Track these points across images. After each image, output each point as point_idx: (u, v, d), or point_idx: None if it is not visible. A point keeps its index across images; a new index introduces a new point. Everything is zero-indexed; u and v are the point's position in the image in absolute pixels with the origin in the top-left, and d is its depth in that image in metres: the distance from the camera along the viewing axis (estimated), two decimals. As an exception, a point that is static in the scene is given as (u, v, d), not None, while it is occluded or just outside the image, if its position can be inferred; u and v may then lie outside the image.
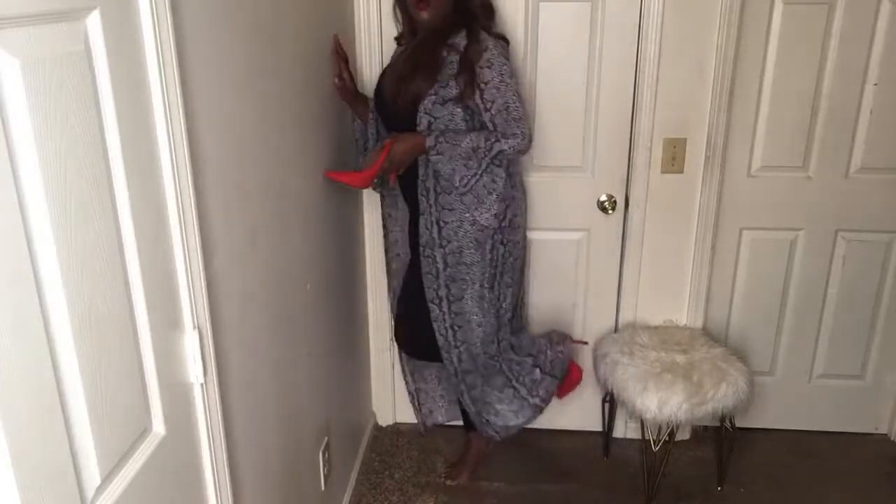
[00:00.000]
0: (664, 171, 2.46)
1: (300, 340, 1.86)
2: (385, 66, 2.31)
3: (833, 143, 2.45)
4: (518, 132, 2.06)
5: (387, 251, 2.45)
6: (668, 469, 2.46)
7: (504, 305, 2.27)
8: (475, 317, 2.22)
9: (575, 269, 2.62)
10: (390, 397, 2.85)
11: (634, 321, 2.65)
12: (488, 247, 2.17)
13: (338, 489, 2.30)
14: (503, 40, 2.16)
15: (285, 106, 1.71)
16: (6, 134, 0.76)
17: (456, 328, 2.24)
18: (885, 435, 2.80)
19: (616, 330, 2.66)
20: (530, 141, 2.10)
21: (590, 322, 2.67)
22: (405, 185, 2.23)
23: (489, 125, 2.06)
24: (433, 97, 2.06)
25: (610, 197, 2.51)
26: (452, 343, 2.26)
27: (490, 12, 2.17)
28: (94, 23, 0.91)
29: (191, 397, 1.22)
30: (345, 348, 2.41)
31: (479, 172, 2.08)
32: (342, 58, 2.19)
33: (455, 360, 2.28)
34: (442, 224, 2.14)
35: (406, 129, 2.11)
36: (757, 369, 2.64)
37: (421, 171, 2.14)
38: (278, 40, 1.66)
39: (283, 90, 1.69)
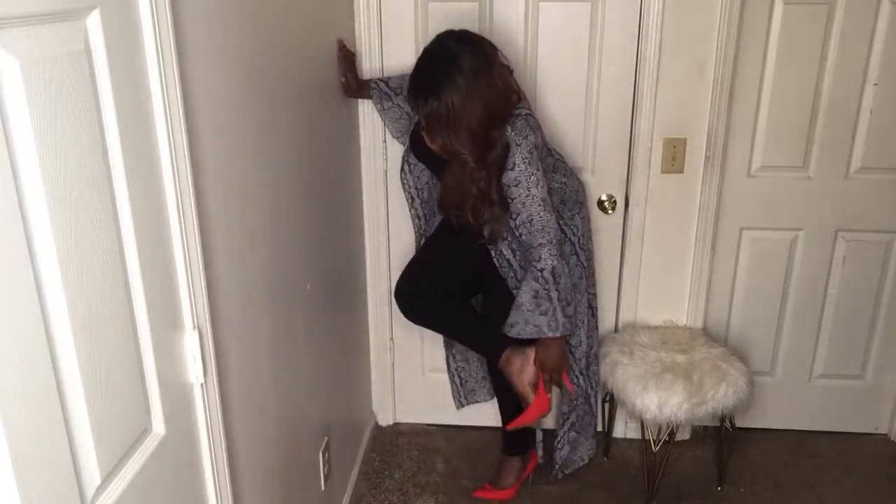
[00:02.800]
0: (664, 171, 2.46)
1: (300, 340, 1.86)
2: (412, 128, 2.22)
3: (833, 143, 2.45)
4: (543, 241, 2.02)
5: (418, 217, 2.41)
6: (668, 469, 2.46)
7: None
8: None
9: (575, 269, 2.62)
10: (390, 397, 2.84)
11: (634, 321, 2.65)
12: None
13: (338, 489, 2.30)
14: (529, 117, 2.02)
15: (285, 106, 1.71)
16: (6, 134, 0.76)
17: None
18: (885, 435, 2.80)
19: (616, 330, 2.66)
20: (557, 235, 2.05)
21: (590, 322, 2.67)
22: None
23: (515, 230, 2.04)
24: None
25: (610, 197, 2.51)
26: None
27: (510, 103, 1.99)
28: (94, 23, 0.91)
29: (191, 397, 1.22)
30: (345, 348, 2.41)
31: (553, 305, 2.05)
32: (348, 58, 2.19)
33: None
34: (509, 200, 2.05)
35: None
36: (757, 369, 2.64)
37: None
38: (278, 40, 1.66)
39: (283, 90, 1.69)
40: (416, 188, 2.33)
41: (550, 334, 2.07)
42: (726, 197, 2.51)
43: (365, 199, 2.57)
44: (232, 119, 1.39)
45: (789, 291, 2.65)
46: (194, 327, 1.19)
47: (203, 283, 1.21)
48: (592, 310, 2.36)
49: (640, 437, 2.59)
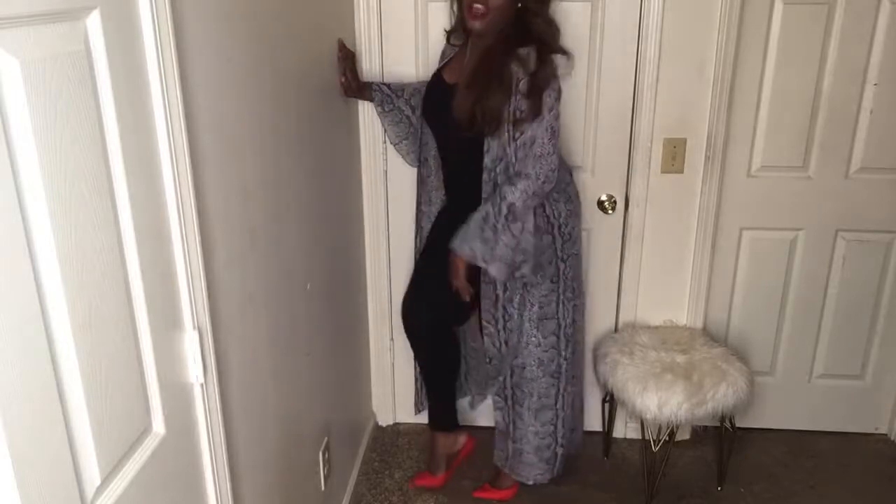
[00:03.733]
0: (664, 171, 2.46)
1: (300, 340, 1.86)
2: (438, 67, 2.22)
3: (833, 143, 2.45)
4: (531, 172, 1.97)
5: (418, 221, 2.43)
6: (668, 469, 2.46)
7: (567, 322, 2.26)
8: (533, 338, 2.22)
9: (575, 269, 2.63)
10: (390, 397, 2.84)
11: (634, 321, 2.65)
12: (559, 269, 2.19)
13: (338, 489, 2.30)
14: (566, 55, 2.07)
15: (285, 105, 1.71)
16: (6, 134, 0.76)
17: (509, 344, 2.23)
18: (885, 435, 2.80)
19: (616, 330, 2.66)
20: (547, 182, 2.00)
21: (590, 322, 2.67)
22: (451, 182, 2.25)
23: (511, 157, 1.99)
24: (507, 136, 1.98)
25: (610, 197, 2.51)
26: (506, 357, 2.26)
27: (556, 30, 2.06)
28: (94, 23, 0.91)
29: (191, 397, 1.22)
30: (345, 348, 2.41)
31: (496, 239, 2.02)
32: (347, 58, 2.20)
33: (507, 373, 2.29)
34: None
35: (463, 153, 2.09)
36: (757, 369, 2.64)
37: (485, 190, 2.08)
38: (278, 40, 1.66)
39: (283, 90, 1.69)
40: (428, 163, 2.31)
41: (482, 265, 2.05)
42: (726, 197, 2.51)
43: (365, 199, 2.57)
44: (232, 119, 1.39)
45: (789, 291, 2.65)
46: (194, 327, 1.19)
47: (203, 283, 1.21)
48: (573, 323, 2.29)
49: (640, 437, 2.59)
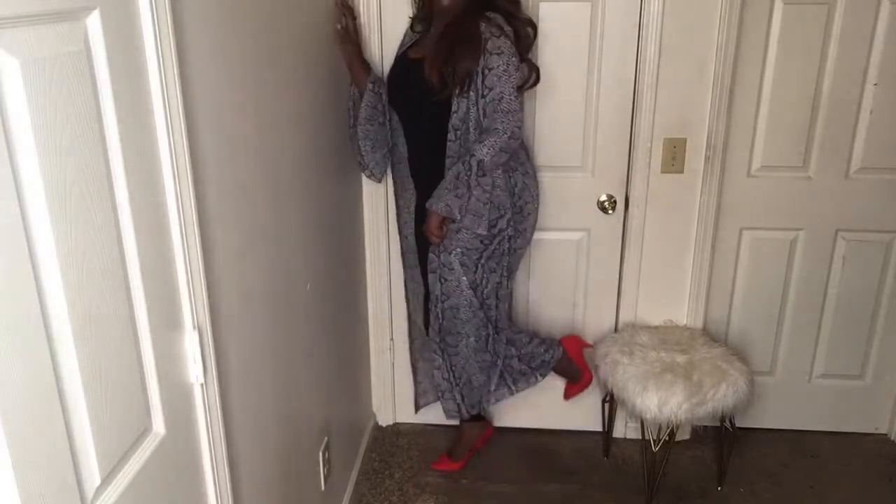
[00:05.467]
0: (664, 171, 2.46)
1: (300, 340, 1.86)
2: (398, 53, 2.28)
3: (833, 143, 2.45)
4: (500, 127, 2.06)
5: (399, 231, 2.47)
6: (668, 469, 2.46)
7: (486, 292, 2.29)
8: (463, 277, 2.26)
9: (575, 269, 2.62)
10: (390, 397, 2.84)
11: (634, 321, 2.65)
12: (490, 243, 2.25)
13: (338, 489, 2.30)
14: (531, 26, 2.17)
15: (285, 106, 1.71)
16: (6, 134, 0.76)
17: (443, 281, 2.28)
18: (885, 435, 2.80)
19: (616, 330, 2.66)
20: (513, 138, 2.09)
21: (590, 322, 2.67)
22: (414, 170, 2.28)
23: (479, 114, 2.07)
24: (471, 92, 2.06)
25: (610, 197, 2.51)
26: (439, 297, 2.30)
27: (517, 2, 2.16)
28: (94, 23, 0.91)
29: (191, 397, 1.22)
30: (345, 348, 2.41)
31: (469, 193, 2.11)
32: (346, 8, 2.22)
33: (439, 315, 2.32)
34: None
35: (429, 122, 2.15)
36: (757, 369, 2.64)
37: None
38: (278, 40, 1.66)
39: (283, 90, 1.69)
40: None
41: (457, 217, 2.13)
42: (726, 197, 2.51)
43: (365, 198, 2.57)
44: (232, 119, 1.39)
45: (789, 291, 2.65)
46: (194, 327, 1.19)
47: (203, 283, 1.21)
48: (491, 294, 2.33)
49: (640, 437, 2.59)
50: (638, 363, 2.35)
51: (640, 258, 2.57)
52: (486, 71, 2.04)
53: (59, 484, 0.87)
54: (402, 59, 2.25)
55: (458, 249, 2.22)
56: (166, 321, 1.12)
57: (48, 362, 0.83)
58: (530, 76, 2.19)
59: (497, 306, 2.34)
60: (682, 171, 2.47)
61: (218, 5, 1.31)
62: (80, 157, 0.88)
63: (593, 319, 2.67)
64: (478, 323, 2.31)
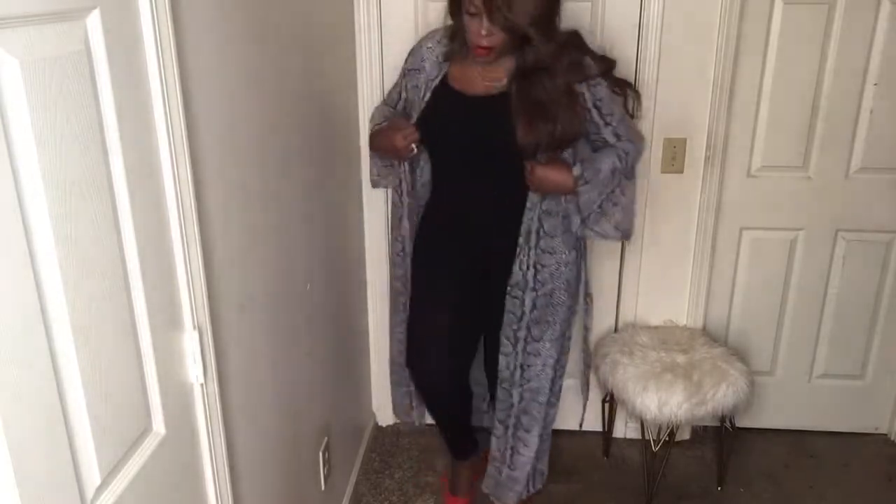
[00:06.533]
0: (664, 171, 2.46)
1: (300, 340, 1.86)
2: (431, 83, 2.01)
3: (833, 143, 2.45)
4: (643, 136, 2.04)
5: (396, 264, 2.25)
6: (668, 469, 2.46)
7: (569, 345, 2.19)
8: (550, 359, 2.11)
9: (575, 269, 2.62)
10: (390, 397, 2.84)
11: (634, 321, 2.65)
12: (580, 286, 2.13)
13: (338, 489, 2.30)
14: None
15: (285, 106, 1.71)
16: (6, 134, 0.76)
17: (525, 367, 2.11)
18: (885, 435, 2.80)
19: (616, 330, 2.66)
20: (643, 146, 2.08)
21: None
22: (467, 226, 2.07)
23: (612, 139, 1.96)
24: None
25: (610, 197, 2.51)
26: (518, 381, 2.12)
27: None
28: (94, 23, 0.90)
29: (191, 397, 1.22)
30: (345, 348, 2.41)
31: (610, 192, 1.95)
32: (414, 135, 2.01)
33: (516, 398, 2.14)
34: (539, 267, 2.01)
35: (506, 169, 1.95)
36: (757, 369, 2.64)
37: (526, 213, 1.98)
38: (278, 40, 1.65)
39: (283, 90, 1.69)
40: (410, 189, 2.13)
41: (615, 235, 2.00)
42: (726, 197, 2.51)
43: (365, 198, 2.57)
44: (232, 119, 1.39)
45: (789, 291, 2.65)
46: (194, 327, 1.19)
47: (203, 283, 1.21)
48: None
49: (640, 437, 2.59)
50: (638, 363, 2.36)
51: (639, 258, 2.57)
52: (598, 102, 1.92)
53: (59, 484, 0.87)
54: (447, 92, 1.98)
55: (558, 326, 2.07)
56: (166, 321, 1.12)
57: (48, 363, 0.83)
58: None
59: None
60: (682, 171, 2.47)
61: (218, 5, 1.30)
62: (79, 157, 0.88)
63: (593, 319, 2.66)
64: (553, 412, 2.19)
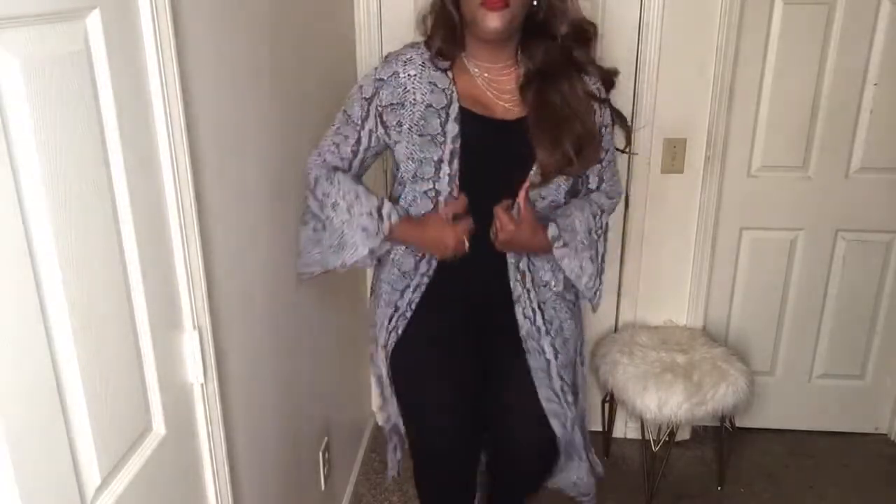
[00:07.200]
0: (664, 171, 2.46)
1: (300, 340, 1.86)
2: (453, 116, 1.57)
3: (833, 143, 2.45)
4: (621, 189, 1.78)
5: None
6: (668, 469, 2.46)
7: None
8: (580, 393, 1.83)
9: (575, 269, 2.62)
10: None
11: (634, 321, 2.65)
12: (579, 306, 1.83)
13: (338, 489, 2.30)
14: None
15: (286, 104, 1.71)
16: (6, 134, 0.76)
17: (579, 420, 1.81)
18: (885, 435, 2.80)
19: (616, 330, 2.66)
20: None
21: (590, 322, 2.67)
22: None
23: (594, 182, 1.71)
24: None
25: (610, 197, 2.51)
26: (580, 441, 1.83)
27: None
28: (94, 23, 0.90)
29: (191, 397, 1.22)
30: (345, 348, 2.41)
31: (597, 259, 1.71)
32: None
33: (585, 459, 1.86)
34: (542, 307, 1.70)
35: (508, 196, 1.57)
36: (757, 369, 2.64)
37: (512, 254, 1.65)
38: (279, 40, 1.65)
39: (283, 89, 1.68)
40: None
41: (587, 294, 1.71)
42: (726, 197, 2.51)
43: (365, 199, 2.57)
44: (232, 118, 1.39)
45: (789, 291, 2.65)
46: (194, 327, 1.19)
47: (203, 283, 1.21)
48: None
49: (640, 437, 2.59)
50: (638, 363, 2.36)
51: (640, 258, 2.57)
52: (604, 129, 1.66)
53: (59, 484, 0.87)
54: (471, 118, 1.58)
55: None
56: (166, 321, 1.12)
57: (48, 362, 0.83)
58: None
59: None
60: (682, 171, 2.47)
61: (218, 5, 1.30)
62: (80, 156, 0.88)
63: (594, 319, 2.66)
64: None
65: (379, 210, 1.60)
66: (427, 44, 1.61)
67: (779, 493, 2.52)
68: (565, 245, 1.62)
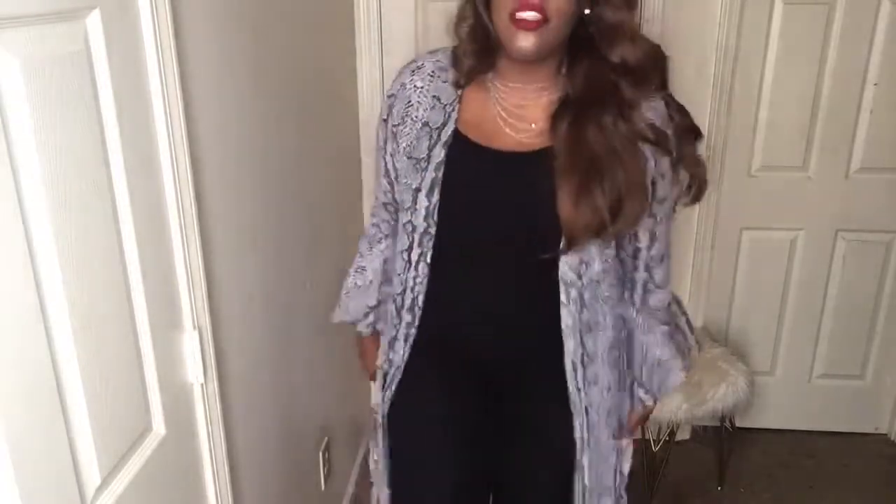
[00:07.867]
0: (664, 171, 2.46)
1: (300, 340, 1.86)
2: (432, 124, 1.29)
3: (833, 143, 2.45)
4: (666, 287, 1.38)
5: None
6: (668, 469, 2.46)
7: None
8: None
9: (575, 269, 2.62)
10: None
11: (634, 321, 2.64)
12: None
13: (338, 489, 2.30)
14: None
15: (286, 105, 1.71)
16: (6, 134, 0.76)
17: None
18: (885, 435, 2.80)
19: (616, 330, 2.66)
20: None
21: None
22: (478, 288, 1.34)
23: (640, 238, 1.32)
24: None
25: (610, 197, 2.50)
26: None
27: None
28: (94, 23, 0.90)
29: (191, 397, 1.21)
30: (345, 348, 2.41)
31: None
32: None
33: None
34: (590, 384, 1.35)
35: (526, 260, 1.26)
36: (757, 369, 2.63)
37: (571, 345, 1.30)
38: (279, 40, 1.65)
39: (283, 89, 1.69)
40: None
41: (683, 374, 1.42)
42: (726, 197, 2.51)
43: (365, 199, 2.57)
44: (232, 119, 1.39)
45: (789, 291, 2.65)
46: (194, 327, 1.19)
47: (203, 283, 1.21)
48: None
49: (639, 436, 2.58)
50: (638, 363, 2.35)
51: (640, 258, 2.57)
52: (659, 178, 1.26)
53: (59, 484, 0.87)
54: (464, 147, 1.27)
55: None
56: (166, 321, 1.12)
57: (48, 362, 0.83)
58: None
59: None
60: (682, 171, 2.46)
61: (218, 5, 1.30)
62: (80, 156, 0.88)
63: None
64: None
65: (366, 315, 1.66)
66: (455, 52, 1.32)
67: (779, 493, 2.52)
68: (656, 388, 1.42)
